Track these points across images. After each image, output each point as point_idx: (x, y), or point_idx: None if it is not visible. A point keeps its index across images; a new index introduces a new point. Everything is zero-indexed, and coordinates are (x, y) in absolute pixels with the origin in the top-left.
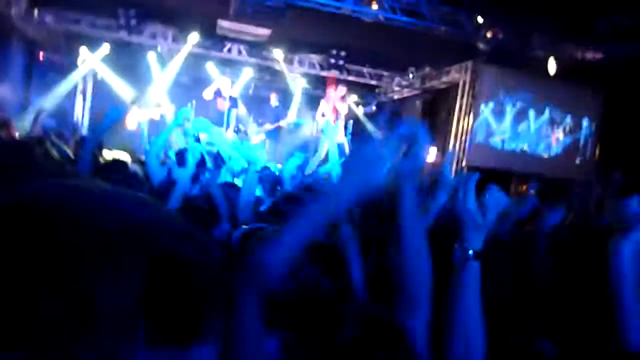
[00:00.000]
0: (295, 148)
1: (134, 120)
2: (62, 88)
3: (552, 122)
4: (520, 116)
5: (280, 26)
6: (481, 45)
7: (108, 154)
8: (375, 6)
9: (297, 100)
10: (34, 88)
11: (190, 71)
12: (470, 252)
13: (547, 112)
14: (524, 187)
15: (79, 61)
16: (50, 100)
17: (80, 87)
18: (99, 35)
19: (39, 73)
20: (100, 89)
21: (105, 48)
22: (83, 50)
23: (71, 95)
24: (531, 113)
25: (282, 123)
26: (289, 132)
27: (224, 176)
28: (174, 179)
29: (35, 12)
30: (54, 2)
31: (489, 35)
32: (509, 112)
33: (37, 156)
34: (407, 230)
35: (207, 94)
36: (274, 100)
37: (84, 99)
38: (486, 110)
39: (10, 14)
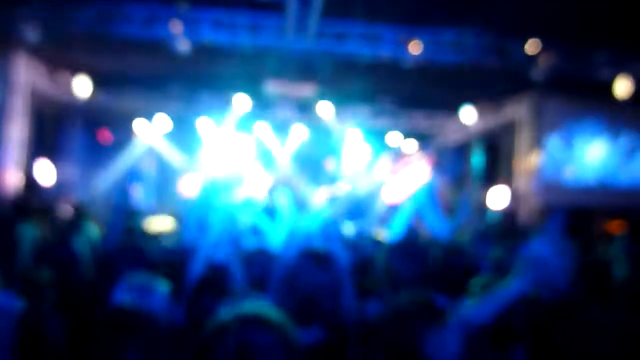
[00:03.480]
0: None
1: (189, 186)
2: (122, 164)
3: (630, 149)
4: (592, 146)
5: (325, 81)
6: (535, 74)
7: (154, 221)
8: (414, 49)
9: (349, 155)
10: (97, 167)
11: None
12: None
13: (622, 138)
14: (612, 226)
15: (136, 137)
16: (109, 178)
17: (139, 162)
18: (154, 110)
19: (101, 151)
20: (161, 163)
21: (159, 122)
22: (140, 125)
23: (132, 170)
24: (604, 141)
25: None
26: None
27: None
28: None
29: (94, 93)
30: (110, 83)
31: (541, 62)
32: (578, 142)
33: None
34: None
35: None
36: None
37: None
38: (552, 144)
39: (71, 98)
